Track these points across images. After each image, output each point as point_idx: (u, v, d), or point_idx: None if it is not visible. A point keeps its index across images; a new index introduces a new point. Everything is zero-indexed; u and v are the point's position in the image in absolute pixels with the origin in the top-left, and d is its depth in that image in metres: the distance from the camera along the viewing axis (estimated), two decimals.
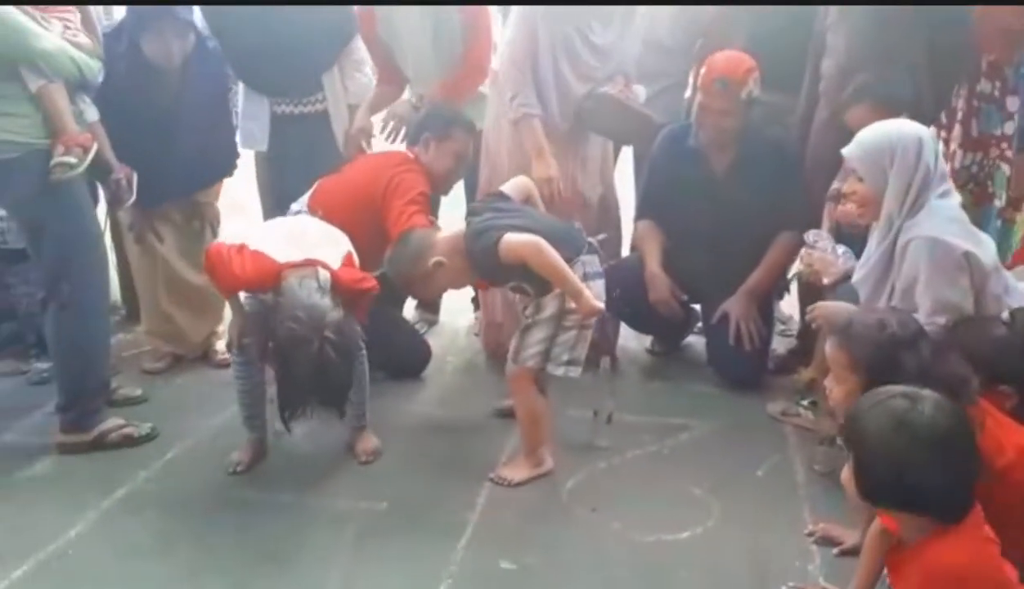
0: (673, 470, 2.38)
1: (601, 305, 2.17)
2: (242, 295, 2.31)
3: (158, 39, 2.63)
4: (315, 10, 2.84)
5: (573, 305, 2.16)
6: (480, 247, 2.13)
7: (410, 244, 2.24)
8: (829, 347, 1.76)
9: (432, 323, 3.50)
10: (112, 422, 2.51)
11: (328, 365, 2.02)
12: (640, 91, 2.93)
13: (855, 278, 2.20)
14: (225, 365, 3.05)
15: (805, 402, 2.63)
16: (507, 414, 2.62)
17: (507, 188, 2.37)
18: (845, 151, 2.15)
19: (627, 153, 3.47)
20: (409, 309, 3.42)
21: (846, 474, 1.48)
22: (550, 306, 2.21)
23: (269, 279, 2.16)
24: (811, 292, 2.80)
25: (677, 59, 3.33)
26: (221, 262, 2.19)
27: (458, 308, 3.52)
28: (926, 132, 2.09)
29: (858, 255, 2.28)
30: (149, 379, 2.97)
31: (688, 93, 3.45)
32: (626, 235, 3.24)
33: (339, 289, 2.17)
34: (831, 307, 2.23)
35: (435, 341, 3.32)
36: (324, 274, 2.16)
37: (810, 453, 2.39)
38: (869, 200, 2.10)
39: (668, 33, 3.28)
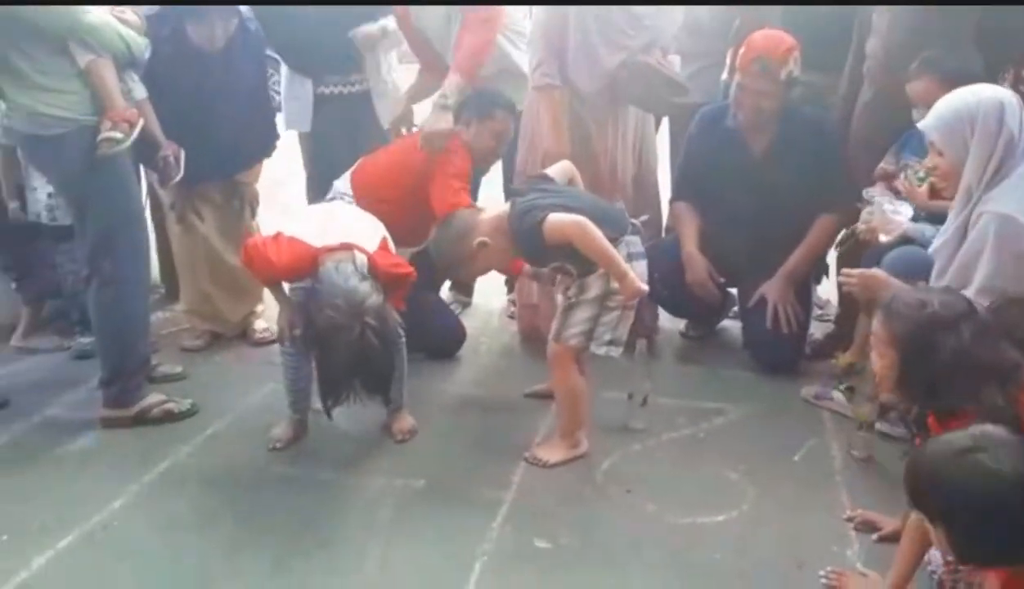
0: (708, 453, 2.37)
1: (645, 287, 2.15)
2: (287, 287, 2.32)
3: (203, 23, 2.66)
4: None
5: (617, 286, 2.15)
6: (525, 226, 2.12)
7: (454, 225, 2.24)
8: (874, 321, 1.73)
9: (466, 305, 3.51)
10: (153, 398, 2.55)
11: (369, 351, 2.02)
12: (675, 61, 2.90)
13: (932, 248, 2.10)
14: (263, 343, 3.11)
15: (842, 387, 2.60)
16: (539, 397, 2.63)
17: (551, 171, 2.36)
18: (921, 124, 2.03)
19: (663, 134, 3.45)
20: (443, 291, 3.43)
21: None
22: (595, 287, 2.19)
23: (306, 264, 2.16)
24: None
25: (714, 39, 3.28)
26: (257, 253, 2.19)
27: (492, 290, 3.53)
28: (1008, 95, 1.94)
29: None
30: (188, 356, 3.02)
31: (725, 74, 3.41)
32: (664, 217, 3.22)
33: (376, 273, 2.16)
34: (869, 275, 2.15)
35: (469, 323, 3.32)
36: (361, 258, 2.15)
37: (848, 438, 2.37)
38: (951, 174, 1.98)
39: (706, 12, 3.24)
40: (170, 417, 2.54)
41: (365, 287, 2.07)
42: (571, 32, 2.72)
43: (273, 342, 3.10)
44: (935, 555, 1.76)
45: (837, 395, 2.59)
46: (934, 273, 2.06)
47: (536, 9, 2.86)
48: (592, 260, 2.13)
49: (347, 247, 2.17)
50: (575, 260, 2.17)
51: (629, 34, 2.74)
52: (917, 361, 1.59)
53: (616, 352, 2.25)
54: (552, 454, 2.30)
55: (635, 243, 2.22)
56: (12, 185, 2.87)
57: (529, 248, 2.19)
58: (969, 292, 1.84)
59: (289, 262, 2.17)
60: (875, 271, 2.16)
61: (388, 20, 2.96)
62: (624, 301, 2.19)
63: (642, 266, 2.22)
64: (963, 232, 1.96)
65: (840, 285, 2.22)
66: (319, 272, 2.12)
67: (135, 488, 2.21)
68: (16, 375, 2.91)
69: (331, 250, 2.15)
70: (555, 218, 2.09)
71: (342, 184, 2.70)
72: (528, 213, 2.13)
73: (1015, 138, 1.89)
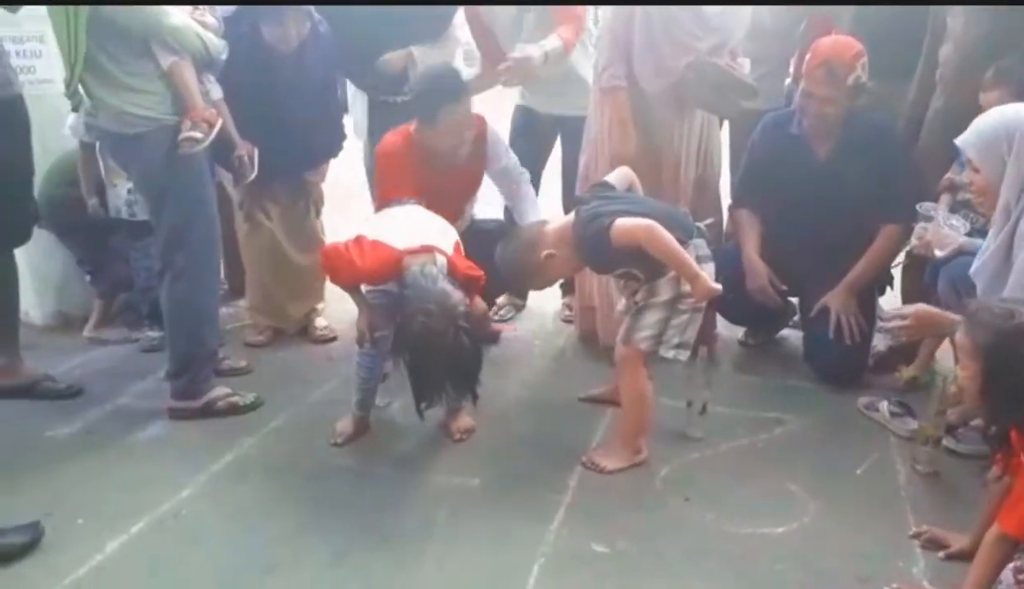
0: (768, 464, 2.35)
1: (718, 286, 2.13)
2: (364, 289, 2.35)
3: (278, 25, 2.74)
4: (415, 17, 2.97)
5: (688, 288, 2.14)
6: (592, 232, 2.12)
7: (520, 238, 2.25)
8: (959, 331, 1.70)
9: (520, 308, 3.52)
10: (219, 391, 2.63)
11: (463, 353, 2.06)
12: (745, 64, 2.86)
13: (972, 270, 2.10)
14: (323, 341, 3.17)
15: (893, 400, 2.56)
16: (595, 402, 2.63)
17: (611, 178, 2.36)
18: (959, 140, 2.05)
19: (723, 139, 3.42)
20: None
21: None
22: (665, 290, 2.19)
23: (389, 267, 2.18)
24: (915, 289, 2.71)
25: (778, 43, 3.25)
26: (339, 256, 2.21)
27: (545, 293, 3.52)
28: None
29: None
30: (251, 352, 3.09)
31: (789, 79, 3.37)
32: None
33: (455, 275, 2.19)
34: (930, 313, 2.14)
35: (522, 325, 3.37)
36: (441, 260, 2.18)
37: (913, 453, 2.32)
38: (987, 190, 2.01)
39: (770, 17, 3.20)
40: (235, 410, 2.61)
41: (456, 292, 2.10)
42: (637, 32, 2.70)
43: (332, 340, 3.18)
44: (1006, 575, 1.71)
45: (884, 406, 2.55)
46: (979, 292, 2.05)
47: (603, 10, 2.85)
48: (661, 264, 2.12)
49: (428, 249, 2.19)
50: (642, 265, 2.16)
51: (697, 35, 2.70)
52: (1001, 372, 1.56)
53: (684, 356, 2.24)
54: (612, 461, 2.29)
55: (702, 246, 2.21)
56: (92, 182, 2.98)
57: (596, 254, 2.19)
58: None
59: (374, 265, 2.19)
60: (922, 306, 2.14)
61: (416, 48, 3.03)
62: (696, 302, 2.17)
63: (710, 269, 2.20)
64: (1005, 251, 1.97)
65: (893, 331, 2.17)
66: (405, 276, 2.15)
67: (202, 478, 2.28)
68: (88, 364, 3.02)
69: (413, 252, 2.18)
70: (623, 222, 2.09)
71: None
72: (594, 220, 2.13)
73: None
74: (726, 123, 3.32)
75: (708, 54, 2.72)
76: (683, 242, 2.13)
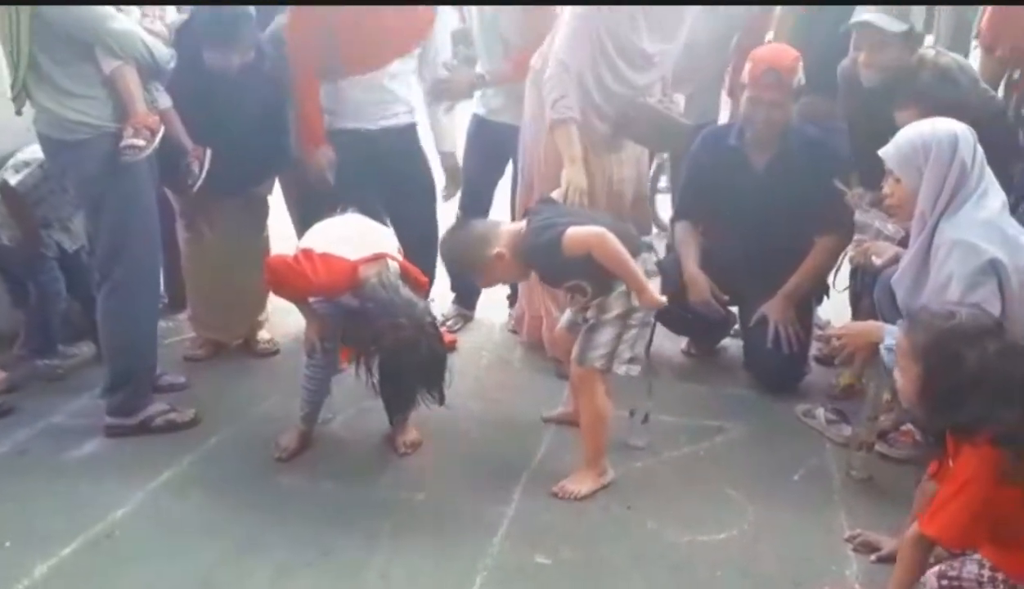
0: (708, 472, 2.39)
1: (663, 299, 2.16)
2: (311, 299, 2.31)
3: (221, 57, 2.64)
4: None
5: (637, 302, 2.15)
6: (544, 241, 2.12)
7: (472, 230, 2.24)
8: (899, 332, 1.72)
9: (468, 319, 3.52)
10: (157, 407, 2.56)
11: (434, 356, 2.09)
12: (679, 100, 2.92)
13: (893, 279, 2.18)
14: (266, 354, 3.11)
15: (829, 407, 2.63)
16: (558, 422, 2.62)
17: (556, 195, 2.38)
18: (881, 152, 2.13)
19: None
20: (446, 304, 3.45)
21: None
22: (616, 306, 2.18)
23: (344, 279, 2.16)
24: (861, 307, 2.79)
25: (710, 58, 3.29)
26: (289, 270, 2.17)
27: (493, 304, 3.54)
28: (963, 129, 2.05)
29: None
30: (191, 366, 3.02)
31: (725, 93, 3.42)
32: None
33: (407, 280, 2.19)
34: (857, 327, 2.24)
35: (470, 336, 3.35)
36: (394, 265, 2.19)
37: (847, 459, 2.38)
38: (906, 200, 2.09)
39: (703, 29, 3.25)
40: (173, 426, 2.55)
41: (418, 298, 2.12)
42: (589, 64, 2.69)
43: (275, 353, 3.13)
44: (929, 577, 1.76)
45: (820, 413, 2.62)
46: (899, 300, 2.13)
47: (559, 47, 2.72)
48: (610, 275, 2.13)
49: (379, 257, 2.18)
50: (591, 278, 2.17)
51: (638, 67, 2.74)
52: (939, 373, 1.58)
53: (635, 371, 2.24)
54: (582, 486, 2.26)
55: (649, 261, 2.23)
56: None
57: (547, 263, 2.19)
58: None
59: (328, 279, 2.16)
60: (848, 323, 2.27)
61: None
62: (643, 318, 2.20)
63: (656, 283, 2.22)
64: (923, 257, 2.06)
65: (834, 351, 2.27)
66: (364, 289, 2.13)
67: (139, 496, 2.22)
68: (19, 382, 2.92)
69: (367, 261, 2.17)
70: (575, 230, 2.09)
71: None
72: (547, 229, 2.14)
73: (967, 168, 2.00)
74: None
75: (646, 87, 2.77)
76: (632, 256, 2.14)
